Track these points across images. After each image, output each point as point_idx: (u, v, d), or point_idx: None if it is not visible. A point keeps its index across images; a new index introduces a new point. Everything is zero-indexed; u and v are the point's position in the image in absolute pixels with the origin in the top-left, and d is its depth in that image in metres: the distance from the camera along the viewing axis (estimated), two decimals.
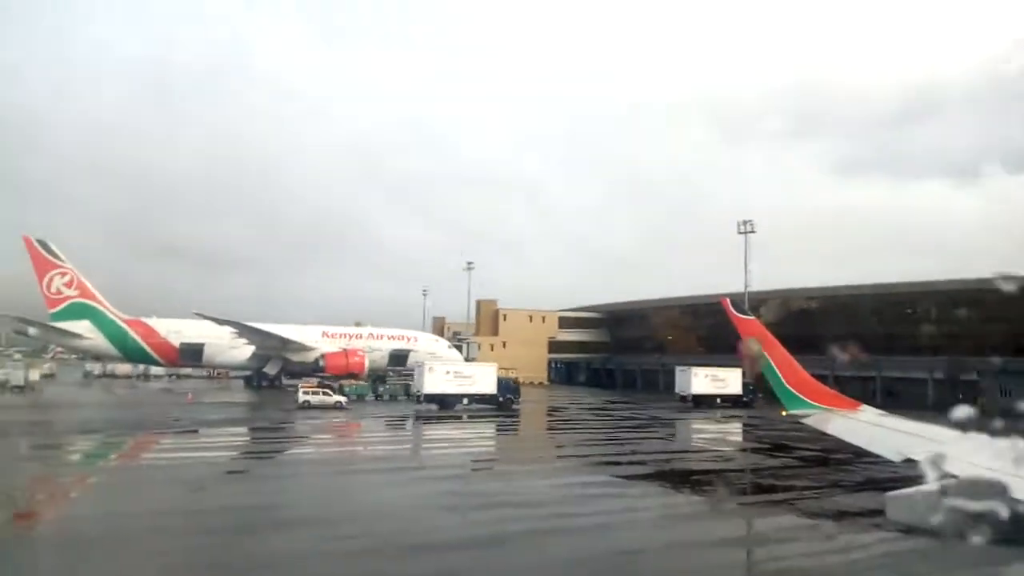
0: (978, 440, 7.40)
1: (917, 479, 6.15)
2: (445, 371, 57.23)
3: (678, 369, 69.50)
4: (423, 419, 50.02)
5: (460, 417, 51.89)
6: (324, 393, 55.07)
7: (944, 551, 11.65)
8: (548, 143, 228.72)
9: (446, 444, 40.60)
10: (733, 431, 50.80)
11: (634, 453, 35.54)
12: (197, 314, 67.66)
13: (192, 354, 73.62)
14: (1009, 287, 2.78)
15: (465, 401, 55.70)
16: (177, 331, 72.12)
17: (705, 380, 65.49)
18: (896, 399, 63.32)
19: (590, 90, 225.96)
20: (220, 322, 68.57)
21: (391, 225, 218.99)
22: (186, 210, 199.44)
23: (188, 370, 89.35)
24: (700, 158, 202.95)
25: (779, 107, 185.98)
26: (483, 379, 57.69)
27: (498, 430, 48.41)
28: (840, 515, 20.75)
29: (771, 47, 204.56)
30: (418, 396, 55.91)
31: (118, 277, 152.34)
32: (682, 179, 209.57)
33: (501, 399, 57.27)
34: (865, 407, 11.79)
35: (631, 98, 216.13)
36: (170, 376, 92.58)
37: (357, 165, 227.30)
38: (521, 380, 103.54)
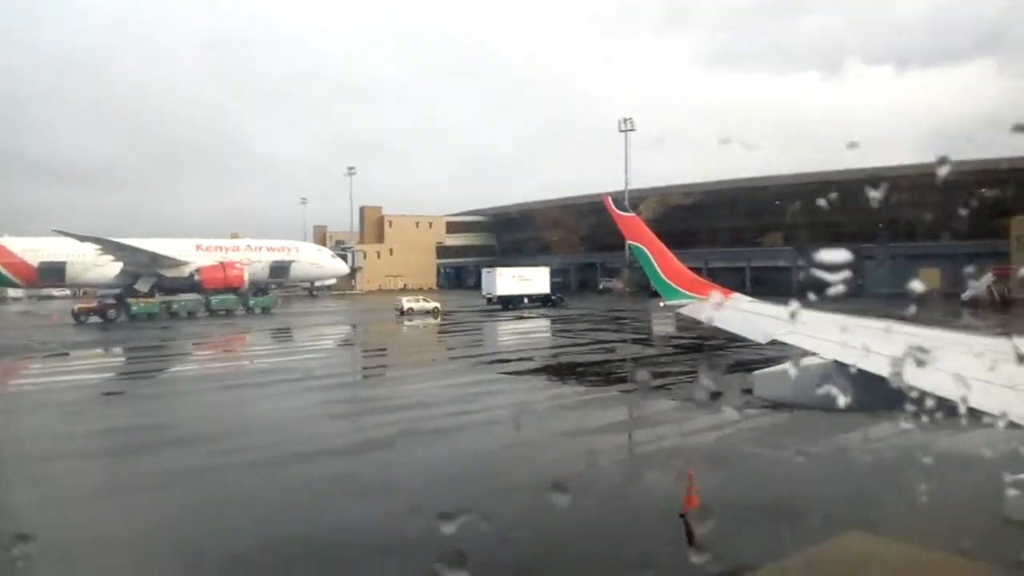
0: (828, 319, 8.04)
1: (780, 358, 6.66)
2: (511, 275, 69.24)
3: None
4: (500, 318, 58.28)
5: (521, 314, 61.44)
6: (424, 300, 64.30)
7: (803, 422, 12.80)
8: (425, 48, 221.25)
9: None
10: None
11: None
12: (57, 231, 62.80)
13: (53, 273, 68.50)
14: (943, 171, 2.96)
15: (525, 301, 67.34)
16: (35, 250, 66.75)
17: None
18: (764, 286, 67.81)
19: None
20: (82, 239, 63.67)
21: (265, 135, 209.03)
22: (35, 122, 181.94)
23: (50, 291, 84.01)
24: (580, 57, 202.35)
25: None
26: (539, 282, 69.70)
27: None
28: (712, 396, 22.26)
29: None
30: (489, 297, 68.03)
31: None
32: (563, 79, 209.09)
33: (553, 298, 69.07)
34: (736, 295, 12.51)
35: None
36: (30, 298, 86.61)
37: (224, 71, 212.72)
38: (409, 286, 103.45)
